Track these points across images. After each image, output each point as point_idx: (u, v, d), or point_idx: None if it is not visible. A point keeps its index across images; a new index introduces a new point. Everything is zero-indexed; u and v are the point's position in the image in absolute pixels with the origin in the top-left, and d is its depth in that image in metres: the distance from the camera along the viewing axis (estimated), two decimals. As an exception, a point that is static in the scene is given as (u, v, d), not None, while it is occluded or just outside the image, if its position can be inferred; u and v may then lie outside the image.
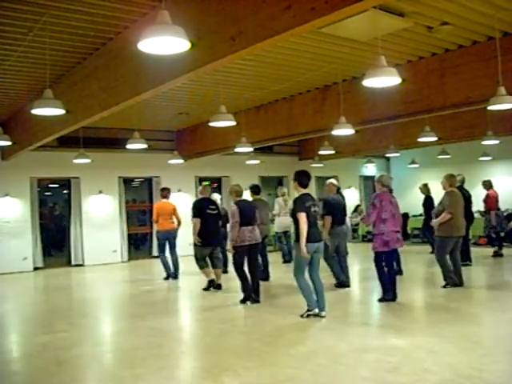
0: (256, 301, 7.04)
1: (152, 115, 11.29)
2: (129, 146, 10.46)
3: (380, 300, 6.75)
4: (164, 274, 9.65)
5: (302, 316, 6.02)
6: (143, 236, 16.03)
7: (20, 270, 11.61)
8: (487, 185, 10.94)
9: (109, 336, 6.18)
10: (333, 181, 8.48)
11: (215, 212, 8.25)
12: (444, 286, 7.48)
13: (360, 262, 11.35)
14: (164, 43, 3.97)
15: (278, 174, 16.02)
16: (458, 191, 7.74)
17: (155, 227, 9.92)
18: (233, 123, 8.09)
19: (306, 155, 15.91)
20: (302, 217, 5.77)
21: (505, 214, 12.05)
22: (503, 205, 11.92)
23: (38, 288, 10.53)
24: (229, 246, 7.33)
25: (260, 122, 10.96)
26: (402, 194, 11.81)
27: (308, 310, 6.03)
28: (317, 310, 6.01)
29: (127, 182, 13.70)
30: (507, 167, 14.61)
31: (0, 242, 11.53)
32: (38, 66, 7.15)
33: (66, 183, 13.35)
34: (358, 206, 14.76)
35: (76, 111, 7.45)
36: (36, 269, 11.99)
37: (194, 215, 8.04)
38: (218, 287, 8.13)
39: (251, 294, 7.07)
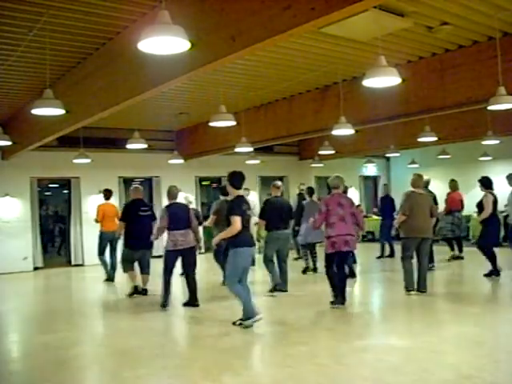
0: (194, 305, 6.96)
1: (152, 115, 11.28)
2: (129, 146, 10.45)
3: (332, 303, 6.59)
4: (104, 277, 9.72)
5: (234, 323, 5.73)
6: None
7: (20, 269, 11.60)
8: (451, 186, 10.56)
9: (109, 336, 6.17)
10: (277, 183, 8.19)
11: (147, 214, 7.98)
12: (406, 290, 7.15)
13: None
14: (164, 43, 3.97)
15: (277, 174, 15.99)
16: (418, 192, 7.35)
17: (99, 228, 9.71)
18: (233, 123, 8.09)
19: (305, 155, 15.92)
20: (237, 221, 5.50)
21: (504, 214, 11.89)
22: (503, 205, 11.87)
23: (38, 288, 10.52)
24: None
25: (260, 122, 10.96)
26: (401, 194, 11.77)
27: (248, 319, 5.63)
28: (250, 322, 5.63)
29: (127, 182, 13.69)
30: (507, 167, 14.55)
31: (0, 241, 11.53)
32: (37, 65, 7.15)
33: (66, 183, 13.36)
34: (357, 206, 14.74)
35: (76, 111, 7.45)
36: (36, 269, 11.99)
37: (120, 218, 8.06)
38: (144, 292, 7.92)
39: (167, 299, 6.94)
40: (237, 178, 5.79)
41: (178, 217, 6.94)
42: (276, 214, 7.58)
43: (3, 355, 5.28)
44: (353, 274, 8.47)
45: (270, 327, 5.75)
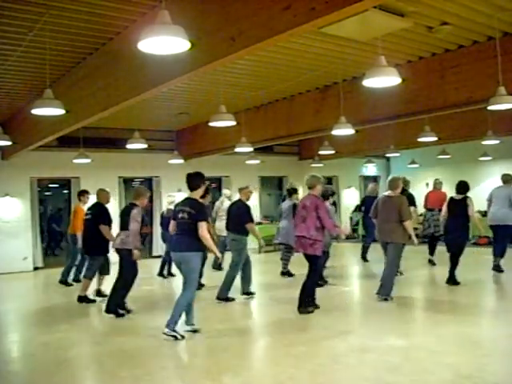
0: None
1: (152, 115, 11.28)
2: (129, 146, 10.45)
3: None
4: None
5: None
6: (142, 236, 16.02)
7: (20, 269, 11.61)
8: (434, 184, 10.53)
9: (109, 336, 6.17)
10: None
11: (89, 217, 7.71)
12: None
13: (357, 262, 11.34)
14: (164, 43, 3.97)
15: (278, 173, 16.02)
16: (389, 195, 7.16)
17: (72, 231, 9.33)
18: (233, 123, 8.09)
19: (306, 155, 15.93)
20: (170, 224, 5.59)
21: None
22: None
23: (38, 288, 10.52)
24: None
25: (260, 122, 10.96)
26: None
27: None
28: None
29: (127, 181, 13.69)
30: (507, 167, 14.56)
31: (0, 241, 11.54)
32: (38, 66, 7.15)
33: (66, 183, 13.36)
34: (357, 206, 14.78)
35: (76, 111, 7.45)
36: (36, 269, 12.00)
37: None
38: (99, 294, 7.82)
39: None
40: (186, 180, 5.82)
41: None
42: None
43: (3, 355, 5.28)
44: (323, 281, 8.09)
45: (270, 327, 5.76)
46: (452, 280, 7.72)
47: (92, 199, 8.68)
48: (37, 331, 6.29)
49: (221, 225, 9.67)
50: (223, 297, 7.22)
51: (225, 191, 10.98)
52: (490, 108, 6.58)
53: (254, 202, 11.41)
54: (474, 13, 5.96)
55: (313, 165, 15.06)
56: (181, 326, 5.47)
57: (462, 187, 8.06)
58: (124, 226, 6.66)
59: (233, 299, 7.22)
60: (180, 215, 5.44)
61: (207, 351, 5.08)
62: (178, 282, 9.22)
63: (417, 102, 7.97)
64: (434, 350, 4.64)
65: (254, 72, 8.29)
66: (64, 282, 9.46)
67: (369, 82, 5.53)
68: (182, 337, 5.34)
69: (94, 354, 5.18)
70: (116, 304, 6.70)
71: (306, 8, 3.93)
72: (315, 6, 3.86)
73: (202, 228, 5.26)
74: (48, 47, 6.19)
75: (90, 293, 7.83)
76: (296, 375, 4.16)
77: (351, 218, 16.09)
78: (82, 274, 8.04)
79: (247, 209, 7.45)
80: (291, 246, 8.51)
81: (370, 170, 18.06)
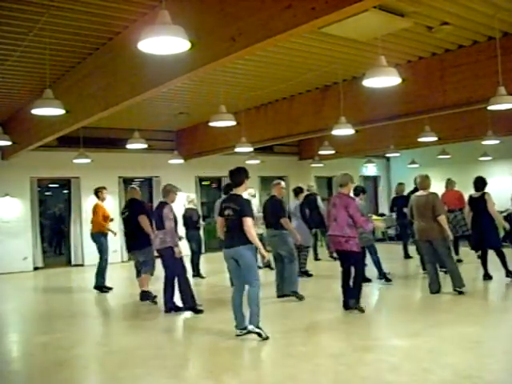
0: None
1: (152, 115, 11.29)
2: (129, 146, 10.45)
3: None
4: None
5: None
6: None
7: (20, 269, 11.61)
8: (446, 184, 10.46)
9: (109, 336, 6.17)
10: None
11: (126, 215, 7.80)
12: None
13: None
14: (164, 43, 3.97)
15: (277, 174, 15.98)
16: (422, 194, 7.34)
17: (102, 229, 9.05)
18: (233, 123, 8.09)
19: (306, 155, 15.92)
20: (218, 221, 5.69)
21: (504, 214, 11.86)
22: (503, 205, 11.88)
23: (38, 288, 10.52)
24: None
25: (260, 121, 10.96)
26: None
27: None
28: (238, 332, 5.43)
29: (127, 181, 13.69)
30: (507, 167, 14.61)
31: (0, 241, 11.53)
32: (38, 66, 7.15)
33: (66, 183, 13.36)
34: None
35: (76, 111, 7.45)
36: (36, 269, 12.00)
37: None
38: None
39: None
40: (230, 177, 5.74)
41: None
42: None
43: (3, 355, 5.28)
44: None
45: (270, 327, 5.75)
46: (487, 275, 8.01)
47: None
48: (37, 331, 6.29)
49: None
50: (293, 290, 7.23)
51: (249, 190, 10.75)
52: (489, 108, 6.58)
53: (254, 202, 11.33)
54: (474, 13, 5.96)
55: (313, 165, 15.06)
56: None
57: (480, 183, 8.11)
58: (159, 225, 6.75)
59: (295, 293, 7.22)
60: (226, 212, 5.51)
61: (207, 351, 5.08)
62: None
63: (417, 102, 7.97)
64: (434, 350, 4.64)
65: (254, 72, 8.29)
66: (100, 287, 8.68)
67: (369, 82, 5.53)
68: (267, 337, 5.24)
69: (94, 353, 5.18)
70: (172, 302, 6.79)
71: (306, 8, 3.93)
72: (315, 6, 3.87)
73: (247, 223, 5.31)
74: (48, 47, 6.19)
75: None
76: (296, 375, 4.16)
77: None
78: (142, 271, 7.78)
79: (281, 204, 7.56)
80: (307, 245, 8.87)
81: (370, 169, 18.05)
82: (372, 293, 7.74)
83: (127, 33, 6.04)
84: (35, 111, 6.06)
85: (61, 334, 5.95)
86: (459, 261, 9.97)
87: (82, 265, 12.51)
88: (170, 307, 6.76)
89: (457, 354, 4.57)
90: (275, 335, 5.38)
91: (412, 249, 11.51)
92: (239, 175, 5.59)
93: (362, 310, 6.28)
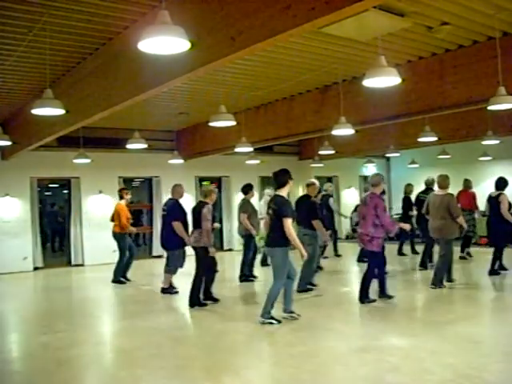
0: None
1: (152, 115, 11.28)
2: (129, 146, 10.45)
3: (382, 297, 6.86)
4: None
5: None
6: (143, 235, 16.03)
7: (20, 270, 11.61)
8: (464, 185, 10.75)
9: (109, 336, 6.18)
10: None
11: (163, 213, 8.07)
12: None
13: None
14: (164, 43, 3.97)
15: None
16: (439, 193, 7.75)
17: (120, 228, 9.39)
18: (233, 123, 8.09)
19: (306, 155, 15.92)
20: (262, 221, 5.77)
21: None
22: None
23: (38, 288, 10.53)
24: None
25: (260, 122, 10.96)
26: (401, 194, 11.80)
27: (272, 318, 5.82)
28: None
29: (127, 181, 13.69)
30: (507, 167, 14.59)
31: (0, 241, 11.53)
32: (38, 66, 7.15)
33: (66, 183, 13.36)
34: (357, 206, 14.75)
35: (76, 111, 7.45)
36: (36, 269, 11.99)
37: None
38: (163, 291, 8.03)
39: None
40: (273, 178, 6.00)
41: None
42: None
43: (3, 355, 5.28)
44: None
45: (270, 327, 5.75)
46: (493, 271, 8.25)
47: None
48: (37, 331, 6.29)
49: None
50: (302, 289, 7.53)
51: (267, 190, 10.65)
52: (489, 108, 6.58)
53: (255, 202, 11.27)
54: (474, 13, 5.96)
55: (313, 165, 15.05)
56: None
57: (500, 183, 8.29)
58: (197, 224, 6.95)
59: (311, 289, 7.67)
60: (269, 211, 5.71)
61: (207, 351, 5.08)
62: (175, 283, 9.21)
63: (417, 102, 7.97)
64: (434, 350, 4.64)
65: (254, 72, 8.29)
66: (118, 280, 9.34)
67: (369, 82, 5.53)
68: (279, 321, 5.76)
69: (94, 353, 5.18)
70: (197, 297, 7.00)
71: (305, 8, 3.93)
72: (315, 6, 3.86)
73: (286, 224, 5.53)
74: (48, 47, 6.19)
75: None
76: (296, 375, 4.16)
77: (351, 218, 16.07)
78: (167, 267, 8.07)
79: (314, 205, 7.79)
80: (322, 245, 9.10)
81: (370, 170, 18.03)
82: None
83: (127, 33, 6.04)
84: (35, 111, 6.06)
85: (61, 333, 5.95)
86: (462, 258, 10.29)
87: (82, 265, 12.53)
88: (195, 302, 6.95)
89: (457, 354, 4.57)
90: (275, 335, 5.38)
91: (407, 248, 11.57)
92: (283, 176, 5.84)
93: (389, 297, 6.81)
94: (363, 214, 6.71)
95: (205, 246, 6.89)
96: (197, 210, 7.06)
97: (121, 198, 9.52)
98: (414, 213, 10.52)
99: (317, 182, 8.10)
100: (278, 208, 5.61)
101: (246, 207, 8.99)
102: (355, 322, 6.13)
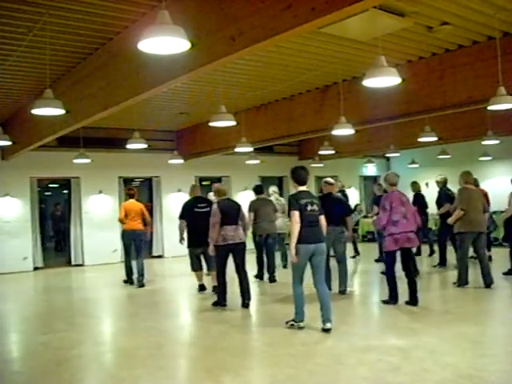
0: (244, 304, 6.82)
1: (152, 115, 11.29)
2: (129, 146, 10.45)
3: (384, 302, 6.69)
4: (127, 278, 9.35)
5: (286, 323, 5.62)
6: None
7: (20, 270, 11.61)
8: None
9: (109, 336, 6.18)
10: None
11: (204, 210, 7.85)
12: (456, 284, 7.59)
13: (362, 263, 11.34)
14: (164, 43, 3.97)
15: (277, 174, 16.01)
16: (473, 188, 7.86)
17: (122, 227, 9.38)
18: (233, 123, 8.09)
19: (306, 155, 15.91)
20: (295, 215, 5.42)
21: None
22: (503, 205, 11.84)
23: (38, 288, 10.53)
24: (210, 246, 6.88)
25: (260, 121, 10.96)
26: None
27: (293, 321, 5.60)
28: (302, 324, 5.56)
29: (127, 181, 13.70)
30: (507, 167, 14.60)
31: (0, 241, 11.53)
32: (38, 65, 7.15)
33: (66, 183, 13.36)
34: (357, 206, 14.76)
35: (76, 111, 7.45)
36: (36, 269, 12.00)
37: (180, 216, 8.06)
38: (214, 289, 7.70)
39: (225, 298, 6.89)
40: (301, 173, 5.74)
41: (230, 212, 6.89)
42: None
43: (4, 355, 5.27)
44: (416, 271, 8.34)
45: (270, 327, 5.75)
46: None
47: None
48: (37, 331, 6.29)
49: (279, 222, 9.87)
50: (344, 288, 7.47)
51: (273, 188, 10.50)
52: (489, 108, 6.58)
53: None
54: (474, 13, 5.96)
55: (313, 165, 15.03)
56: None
57: None
58: (235, 219, 6.95)
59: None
60: (310, 208, 5.54)
61: (207, 351, 5.08)
62: (175, 284, 9.20)
63: (417, 102, 7.97)
64: (434, 350, 4.64)
65: (254, 72, 8.29)
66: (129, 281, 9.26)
67: (369, 82, 5.52)
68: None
69: (94, 353, 5.18)
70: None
71: (306, 8, 3.94)
72: (315, 6, 3.87)
73: (324, 220, 5.67)
74: (48, 47, 6.19)
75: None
76: (296, 375, 4.16)
77: (352, 218, 16.10)
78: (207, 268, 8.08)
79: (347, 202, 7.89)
80: None
81: (370, 169, 18.06)
82: (371, 293, 7.74)
83: (127, 33, 6.04)
84: (35, 111, 6.06)
85: (61, 333, 5.95)
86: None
87: (81, 265, 12.53)
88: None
89: (457, 353, 4.57)
90: (275, 335, 5.38)
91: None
92: (307, 174, 5.77)
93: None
94: (403, 213, 6.53)
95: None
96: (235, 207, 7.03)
97: (132, 196, 9.36)
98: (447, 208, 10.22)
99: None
100: (318, 204, 5.63)
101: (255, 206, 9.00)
102: (355, 322, 6.13)
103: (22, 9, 5.34)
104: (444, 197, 9.62)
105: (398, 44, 7.01)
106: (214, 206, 6.91)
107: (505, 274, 8.33)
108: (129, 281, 9.21)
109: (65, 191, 14.35)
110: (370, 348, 4.80)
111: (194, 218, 7.86)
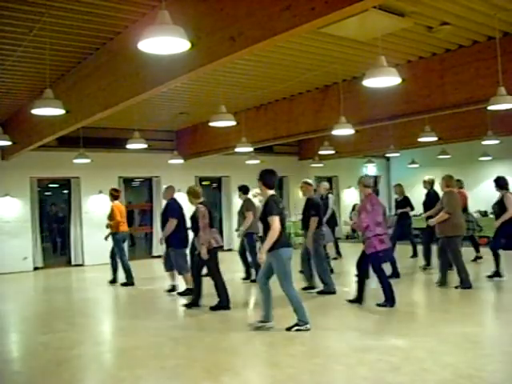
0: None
1: (152, 115, 11.29)
2: (129, 146, 10.45)
3: (379, 305, 6.61)
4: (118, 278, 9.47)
5: (289, 329, 5.45)
6: (143, 235, 16.04)
7: (20, 270, 11.61)
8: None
9: (109, 336, 6.18)
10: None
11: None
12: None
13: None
14: (164, 43, 3.97)
15: (278, 174, 16.00)
16: (456, 192, 7.93)
17: (112, 229, 9.43)
18: (233, 123, 8.09)
19: (306, 155, 15.92)
20: (276, 221, 5.28)
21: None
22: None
23: (38, 288, 10.52)
24: (202, 250, 6.63)
25: (260, 122, 10.96)
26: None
27: (297, 325, 5.45)
28: (309, 326, 5.43)
29: (127, 181, 13.70)
30: (507, 167, 14.59)
31: (0, 241, 11.53)
32: (38, 65, 7.15)
33: (66, 183, 13.36)
34: (355, 206, 14.76)
35: (76, 111, 7.45)
36: (36, 269, 12.00)
37: (175, 216, 7.89)
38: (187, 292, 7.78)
39: (228, 300, 6.78)
40: (271, 177, 5.63)
41: (212, 215, 6.93)
42: None
43: (4, 355, 5.28)
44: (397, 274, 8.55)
45: (270, 327, 5.75)
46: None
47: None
48: (37, 331, 6.29)
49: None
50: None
51: (256, 190, 10.37)
52: (489, 108, 6.58)
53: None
54: (474, 13, 5.96)
55: (313, 165, 15.06)
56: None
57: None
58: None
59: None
60: (284, 212, 5.72)
61: (207, 351, 5.08)
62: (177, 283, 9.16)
63: (417, 102, 7.97)
64: (434, 350, 4.64)
65: (254, 72, 8.29)
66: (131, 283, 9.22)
67: (369, 82, 5.52)
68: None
69: (94, 353, 5.18)
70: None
71: (305, 8, 3.93)
72: (315, 6, 3.86)
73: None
74: (48, 47, 6.18)
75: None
76: (296, 375, 4.16)
77: (350, 218, 16.10)
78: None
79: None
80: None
81: (370, 170, 18.05)
82: (371, 293, 7.73)
83: (127, 33, 6.04)
84: (35, 111, 6.06)
85: (61, 333, 5.95)
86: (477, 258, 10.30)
87: (81, 265, 12.53)
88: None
89: (457, 353, 4.57)
90: (275, 335, 5.38)
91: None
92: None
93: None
94: (383, 215, 6.73)
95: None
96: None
97: (117, 198, 9.45)
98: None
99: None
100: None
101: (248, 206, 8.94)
102: (355, 322, 6.13)
103: (22, 9, 5.34)
104: (434, 199, 9.60)
105: (397, 44, 7.01)
106: (202, 208, 6.72)
107: (489, 276, 8.21)
108: (129, 281, 9.19)
109: (65, 191, 14.35)
110: (370, 348, 4.81)
111: (183, 219, 7.94)
